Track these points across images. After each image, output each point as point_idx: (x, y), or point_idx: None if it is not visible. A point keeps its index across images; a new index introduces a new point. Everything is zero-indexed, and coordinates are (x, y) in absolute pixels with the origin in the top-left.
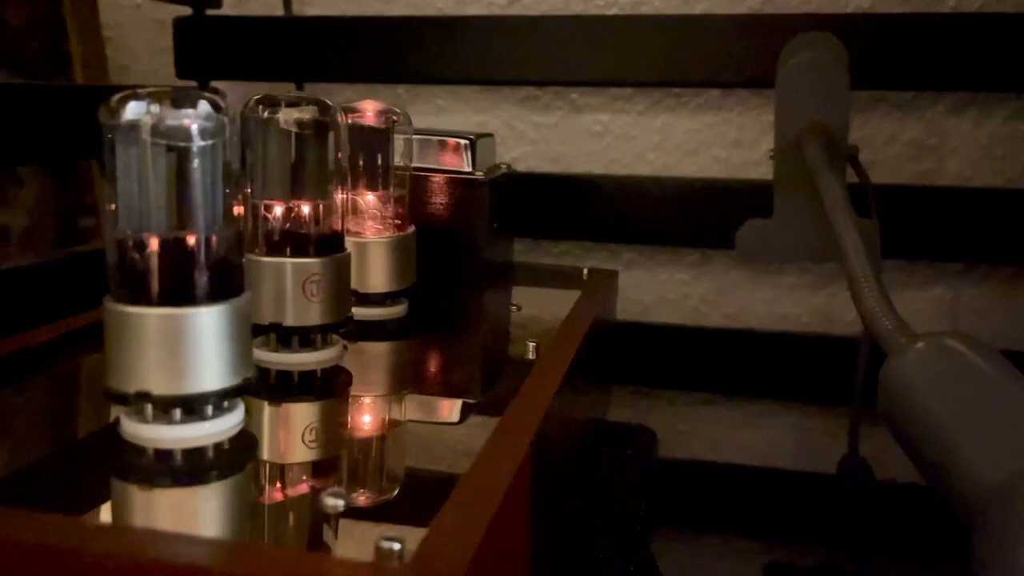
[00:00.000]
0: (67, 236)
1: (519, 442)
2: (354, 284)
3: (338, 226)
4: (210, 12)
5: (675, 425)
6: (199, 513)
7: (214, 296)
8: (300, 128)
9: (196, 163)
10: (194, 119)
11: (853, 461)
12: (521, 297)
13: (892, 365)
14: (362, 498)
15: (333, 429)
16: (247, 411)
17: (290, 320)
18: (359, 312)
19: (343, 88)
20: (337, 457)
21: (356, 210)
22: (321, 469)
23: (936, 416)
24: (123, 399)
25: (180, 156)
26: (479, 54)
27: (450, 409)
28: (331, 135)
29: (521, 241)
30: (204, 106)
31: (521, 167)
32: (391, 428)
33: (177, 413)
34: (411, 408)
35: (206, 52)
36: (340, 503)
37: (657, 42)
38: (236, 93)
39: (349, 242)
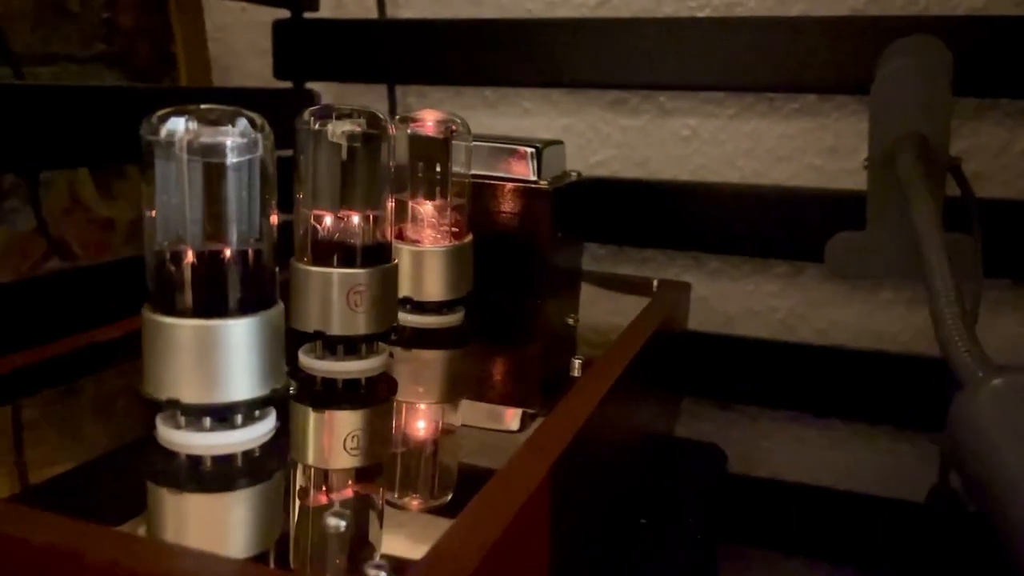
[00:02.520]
0: None
1: (538, 465)
2: (410, 292)
3: (386, 237)
4: (308, 15)
5: (757, 442)
6: (223, 519)
7: (246, 308)
8: (349, 141)
9: (230, 179)
10: (229, 136)
11: (943, 490)
12: (585, 308)
13: (964, 399)
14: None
15: (375, 437)
16: (292, 417)
17: (335, 329)
18: (414, 320)
19: (432, 90)
20: (377, 466)
21: (414, 219)
22: (360, 476)
23: (1004, 465)
24: (155, 405)
25: (215, 172)
26: (567, 56)
27: (495, 421)
28: (383, 147)
29: (604, 247)
30: (241, 123)
31: (605, 171)
32: (433, 437)
33: (207, 421)
34: (454, 417)
35: (302, 54)
36: (342, 524)
37: (751, 44)
38: (331, 94)
39: (405, 250)
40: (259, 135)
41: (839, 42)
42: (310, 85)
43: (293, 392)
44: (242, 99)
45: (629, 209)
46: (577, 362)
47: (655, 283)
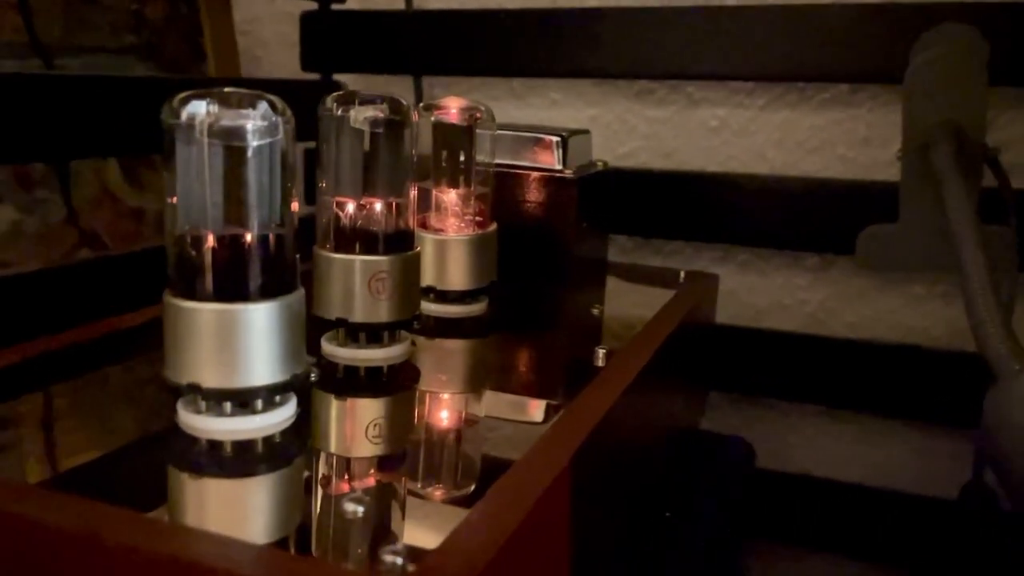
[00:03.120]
0: None
1: (559, 455)
2: (433, 281)
3: (409, 224)
4: (335, 6)
5: (786, 437)
6: (242, 504)
7: (265, 293)
8: (371, 127)
9: (251, 163)
10: (249, 120)
11: (977, 488)
12: (611, 299)
13: (999, 393)
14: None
15: (398, 426)
16: (314, 404)
17: (357, 316)
18: (438, 309)
19: (459, 81)
20: (399, 454)
21: (438, 207)
22: (381, 465)
23: None
24: (176, 390)
25: (235, 156)
26: (594, 46)
27: (517, 411)
28: (405, 133)
29: (631, 239)
30: (262, 107)
31: (632, 163)
32: (455, 427)
33: (228, 406)
34: (476, 407)
35: (330, 45)
36: (360, 510)
37: (781, 33)
38: (358, 86)
39: (429, 239)
40: (279, 119)
41: (873, 30)
42: (337, 77)
43: (315, 379)
44: (269, 90)
45: (657, 201)
46: (601, 352)
47: (682, 274)
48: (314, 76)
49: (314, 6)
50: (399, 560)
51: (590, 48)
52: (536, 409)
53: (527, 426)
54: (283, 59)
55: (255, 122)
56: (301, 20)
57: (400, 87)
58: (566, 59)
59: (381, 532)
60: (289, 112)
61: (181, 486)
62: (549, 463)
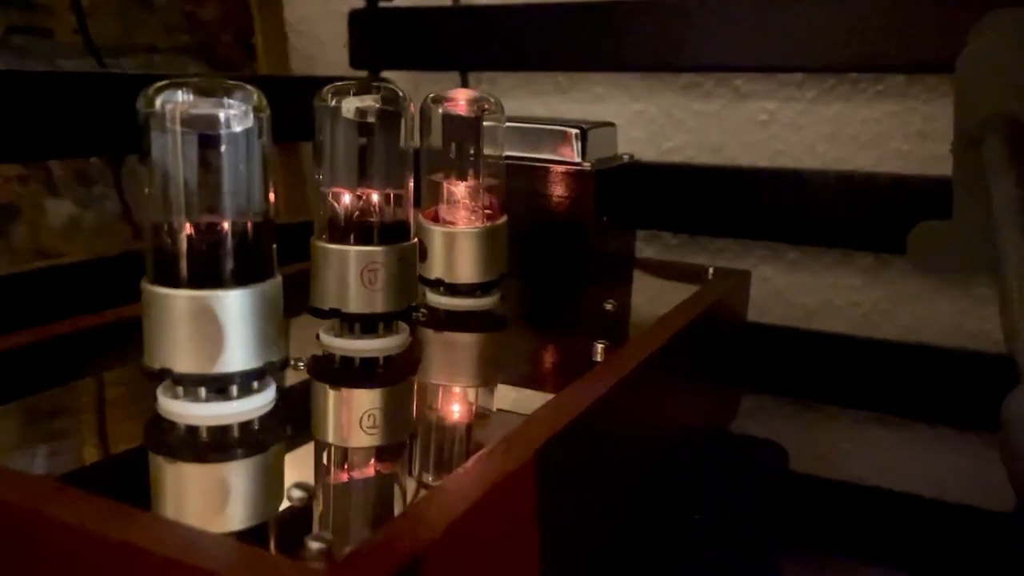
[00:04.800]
0: None
1: (523, 449)
2: (442, 274)
3: (405, 215)
4: (382, 4)
5: (837, 443)
6: (215, 490)
7: (240, 280)
8: (363, 116)
9: (224, 152)
10: (222, 109)
11: None
12: (634, 295)
13: (1018, 398)
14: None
15: (393, 417)
16: (312, 394)
17: (351, 307)
18: (446, 302)
19: (504, 76)
20: (395, 445)
21: (448, 200)
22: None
23: None
24: (152, 375)
25: (208, 144)
26: (639, 39)
27: (512, 404)
28: (401, 123)
29: (676, 236)
30: (237, 96)
31: (679, 158)
32: (448, 419)
33: (202, 391)
34: (471, 400)
35: (377, 42)
36: (305, 496)
37: (834, 23)
38: (405, 82)
39: (437, 232)
40: (252, 109)
41: (929, 16)
42: (385, 74)
43: (304, 367)
44: (312, 88)
45: (703, 197)
46: (599, 347)
47: (711, 271)
48: (362, 74)
49: (362, 4)
50: (322, 546)
51: (635, 41)
52: (532, 402)
53: (520, 418)
54: (337, 58)
55: (228, 111)
56: (349, 18)
57: (447, 83)
58: (611, 52)
59: (326, 519)
60: (265, 102)
61: (158, 470)
62: (512, 454)
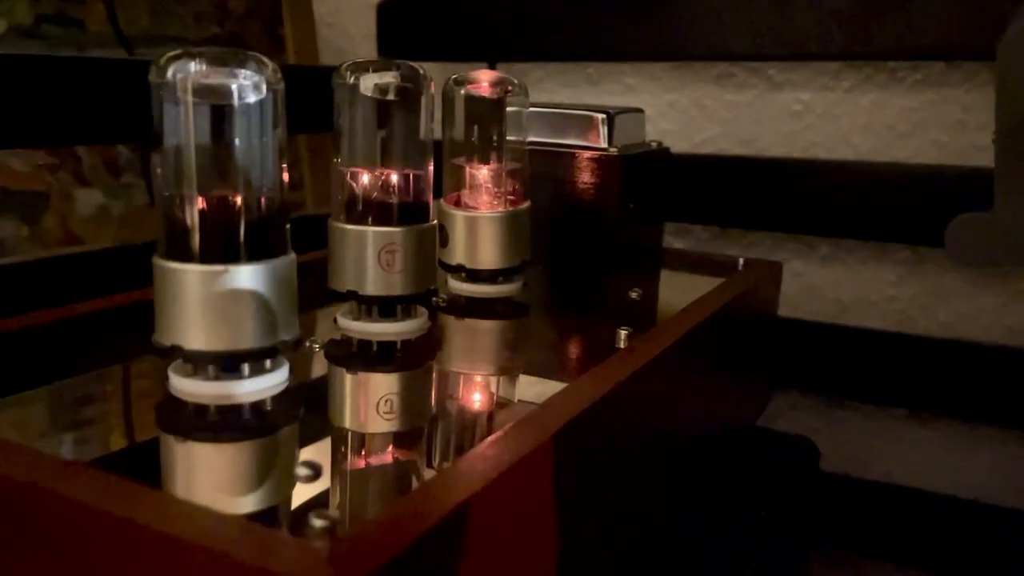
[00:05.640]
0: None
1: (533, 437)
2: (463, 260)
3: (425, 196)
4: None
5: (870, 441)
6: (224, 470)
7: (252, 256)
8: (382, 94)
9: (236, 123)
10: (235, 78)
11: None
12: (661, 285)
13: None
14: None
15: (408, 402)
16: (329, 377)
17: (368, 289)
18: (467, 288)
19: (534, 67)
20: (411, 430)
21: (470, 184)
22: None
23: None
24: (161, 352)
25: (221, 115)
26: (670, 27)
27: (529, 392)
28: (421, 102)
29: (707, 229)
30: (251, 65)
31: (711, 149)
32: (465, 405)
33: (212, 369)
34: (489, 387)
35: (406, 34)
36: (310, 474)
37: (868, 8)
38: (433, 74)
39: (459, 216)
40: (265, 78)
41: (971, 2)
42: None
43: (320, 349)
44: None
45: (735, 189)
46: (623, 334)
47: (740, 262)
48: None
49: None
50: (326, 524)
51: (666, 29)
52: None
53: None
54: (367, 50)
55: (240, 81)
56: (378, 9)
57: None
58: (641, 41)
59: (334, 500)
60: (279, 74)
61: (168, 449)
62: (528, 438)
